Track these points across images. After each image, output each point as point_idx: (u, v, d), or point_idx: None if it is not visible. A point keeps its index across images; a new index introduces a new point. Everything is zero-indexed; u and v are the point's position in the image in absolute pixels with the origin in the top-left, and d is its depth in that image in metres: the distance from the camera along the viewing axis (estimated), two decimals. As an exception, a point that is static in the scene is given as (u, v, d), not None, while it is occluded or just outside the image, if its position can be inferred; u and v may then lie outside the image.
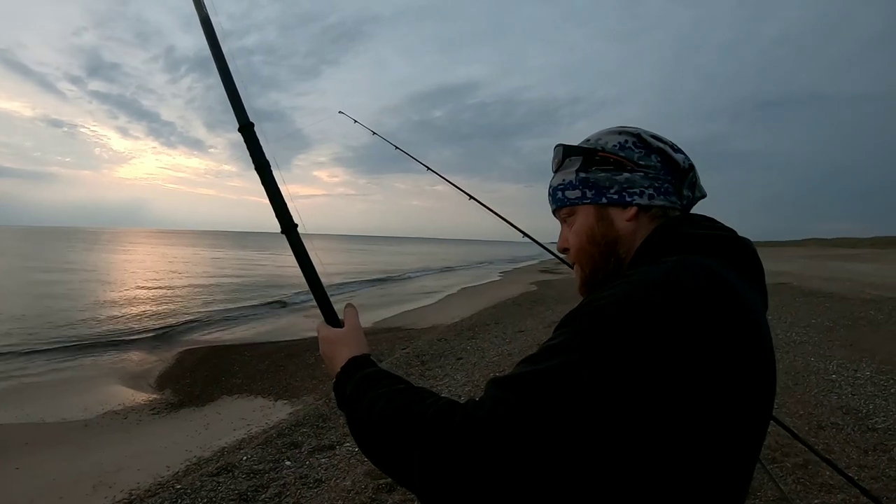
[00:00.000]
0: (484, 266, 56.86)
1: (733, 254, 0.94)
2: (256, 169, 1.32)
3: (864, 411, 6.37)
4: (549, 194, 1.16)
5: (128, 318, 20.00)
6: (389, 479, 4.45)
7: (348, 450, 5.66)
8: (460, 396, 7.12)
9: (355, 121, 2.90)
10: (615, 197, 1.05)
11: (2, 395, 10.81)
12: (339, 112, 2.97)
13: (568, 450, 0.73)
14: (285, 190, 1.33)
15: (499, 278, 37.00)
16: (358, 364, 1.09)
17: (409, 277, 39.91)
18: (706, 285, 0.82)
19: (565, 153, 1.12)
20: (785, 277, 24.38)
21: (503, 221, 2.48)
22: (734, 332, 0.80)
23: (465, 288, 28.80)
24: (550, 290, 23.37)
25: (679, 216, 1.06)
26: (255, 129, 1.33)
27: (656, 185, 1.04)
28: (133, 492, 6.24)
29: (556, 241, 1.21)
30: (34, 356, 14.01)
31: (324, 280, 1.37)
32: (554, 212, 1.17)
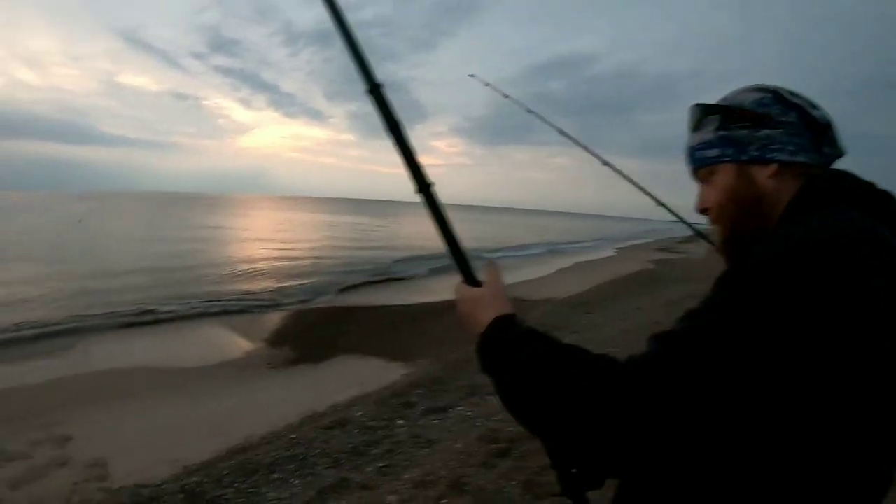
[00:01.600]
0: (599, 241, 55.69)
1: (885, 208, 0.91)
2: (389, 130, 1.28)
3: None
4: (687, 154, 1.13)
5: (249, 278, 21.00)
6: (502, 445, 4.44)
7: (460, 414, 5.71)
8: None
9: (486, 83, 2.86)
10: (756, 154, 1.02)
11: (127, 342, 11.62)
12: (470, 75, 2.91)
13: (717, 403, 0.74)
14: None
15: (614, 254, 36.13)
16: (507, 323, 1.05)
17: (524, 248, 39.81)
18: (860, 242, 0.79)
19: (703, 111, 1.09)
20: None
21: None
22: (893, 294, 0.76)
23: (579, 262, 28.28)
24: (668, 269, 22.64)
25: (824, 172, 1.00)
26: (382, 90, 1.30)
27: (796, 141, 1.01)
28: (248, 438, 6.55)
29: (688, 213, 1.21)
30: (160, 309, 14.98)
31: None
32: (693, 172, 1.13)
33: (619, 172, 2.47)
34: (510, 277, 20.55)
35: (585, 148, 2.52)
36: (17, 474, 6.08)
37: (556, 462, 1.08)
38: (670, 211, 2.31)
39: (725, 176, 1.05)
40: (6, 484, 5.88)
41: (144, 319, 14.15)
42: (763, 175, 1.01)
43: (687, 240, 40.06)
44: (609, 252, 38.28)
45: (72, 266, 22.31)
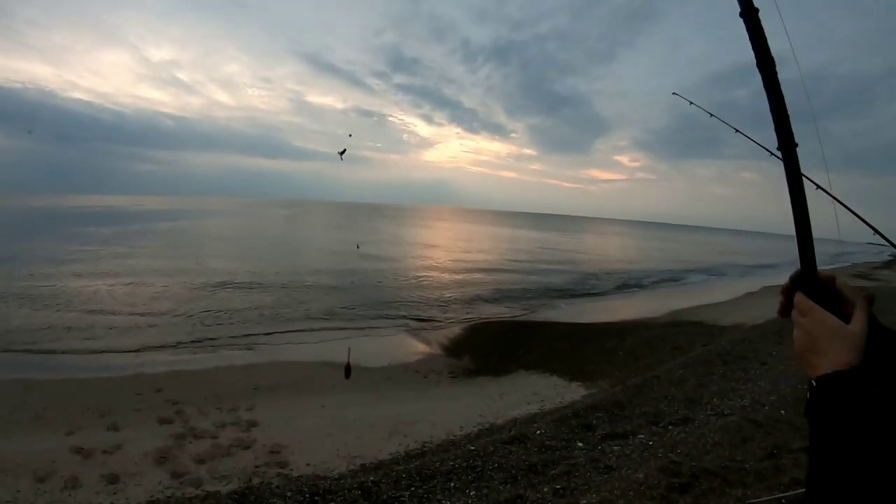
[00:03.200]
0: (788, 264, 51.90)
1: None
2: (759, 64, 1.09)
3: None
4: None
5: (434, 288, 21.71)
6: (683, 480, 4.31)
7: (641, 442, 5.55)
8: (764, 406, 6.65)
9: (691, 102, 2.83)
10: None
11: (315, 339, 12.45)
12: (674, 93, 2.92)
13: None
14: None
15: (805, 279, 33.74)
16: (864, 378, 0.88)
17: (706, 269, 38.12)
18: None
19: None
20: None
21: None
22: None
23: (767, 286, 26.48)
24: (864, 298, 20.71)
25: None
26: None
27: None
28: (426, 444, 6.80)
29: None
30: (349, 311, 15.92)
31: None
32: None
33: (835, 198, 2.39)
34: (692, 300, 19.67)
35: (806, 177, 2.45)
36: (203, 451, 6.77)
37: None
38: (888, 241, 2.19)
39: None
40: (192, 458, 6.56)
41: (333, 319, 15.17)
42: None
43: (884, 265, 36.51)
44: (798, 275, 35.81)
45: (269, 265, 24.41)
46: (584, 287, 24.21)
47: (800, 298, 1.01)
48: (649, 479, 4.40)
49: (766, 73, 1.07)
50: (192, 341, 12.60)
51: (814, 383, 0.90)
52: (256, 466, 6.36)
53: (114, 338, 12.51)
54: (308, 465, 6.38)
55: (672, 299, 20.21)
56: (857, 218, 2.32)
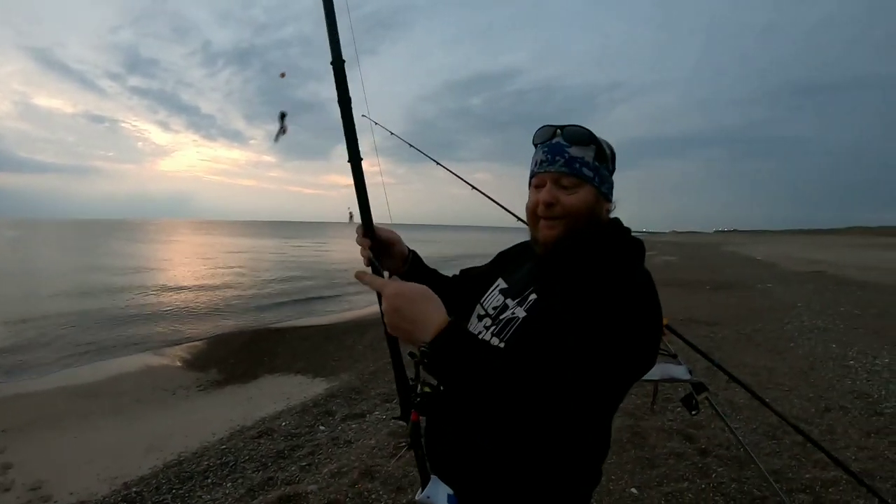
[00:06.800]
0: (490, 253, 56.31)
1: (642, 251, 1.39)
2: (339, 101, 1.48)
3: (876, 396, 6.54)
4: (564, 158, 1.37)
5: (174, 304, 20.80)
6: (407, 438, 4.96)
7: (377, 417, 6.28)
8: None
9: (375, 123, 3.28)
10: (607, 192, 1.41)
11: (56, 371, 11.57)
12: (363, 115, 3.35)
13: (620, 390, 1.18)
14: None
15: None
16: (461, 326, 1.15)
17: (447, 260, 40.41)
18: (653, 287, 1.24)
19: (590, 138, 1.37)
20: (821, 266, 24.29)
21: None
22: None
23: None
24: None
25: (616, 219, 1.45)
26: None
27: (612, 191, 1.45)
28: (181, 454, 6.82)
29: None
30: (88, 340, 14.84)
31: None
32: (556, 172, 1.38)
33: (484, 194, 2.96)
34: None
35: (458, 176, 2.98)
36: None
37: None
38: (518, 218, 2.78)
39: (588, 194, 1.36)
40: (-50, 514, 6.03)
41: (69, 351, 14.04)
42: (604, 209, 1.40)
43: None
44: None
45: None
46: (328, 289, 24.60)
47: (388, 283, 1.22)
48: (380, 443, 5.13)
49: (343, 107, 1.49)
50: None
51: (443, 335, 1.10)
52: (21, 505, 6.02)
53: None
54: (71, 493, 6.09)
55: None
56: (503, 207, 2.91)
